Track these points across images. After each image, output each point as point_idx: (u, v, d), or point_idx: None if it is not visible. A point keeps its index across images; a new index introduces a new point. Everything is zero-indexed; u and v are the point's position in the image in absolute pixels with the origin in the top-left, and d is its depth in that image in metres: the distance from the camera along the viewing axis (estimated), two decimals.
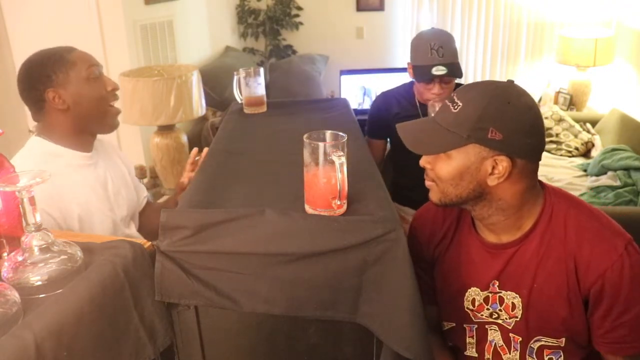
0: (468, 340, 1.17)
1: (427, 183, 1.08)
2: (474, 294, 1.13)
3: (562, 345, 1.06)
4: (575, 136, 3.23)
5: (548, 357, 1.08)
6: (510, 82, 1.02)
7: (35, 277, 0.76)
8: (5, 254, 0.83)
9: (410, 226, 1.25)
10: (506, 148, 0.98)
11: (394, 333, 0.89)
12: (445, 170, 1.02)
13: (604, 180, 2.68)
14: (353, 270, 0.89)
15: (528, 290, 1.06)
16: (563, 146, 3.19)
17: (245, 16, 4.53)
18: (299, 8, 4.56)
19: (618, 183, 2.60)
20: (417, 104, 1.91)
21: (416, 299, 0.89)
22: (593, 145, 3.18)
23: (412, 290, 0.88)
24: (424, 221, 1.22)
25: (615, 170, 2.68)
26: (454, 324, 1.19)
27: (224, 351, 1.04)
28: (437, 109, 1.58)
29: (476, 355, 1.18)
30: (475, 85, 1.05)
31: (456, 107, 1.00)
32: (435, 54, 1.72)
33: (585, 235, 1.01)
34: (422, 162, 1.07)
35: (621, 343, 1.01)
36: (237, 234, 0.88)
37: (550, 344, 1.07)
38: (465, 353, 1.19)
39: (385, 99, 1.98)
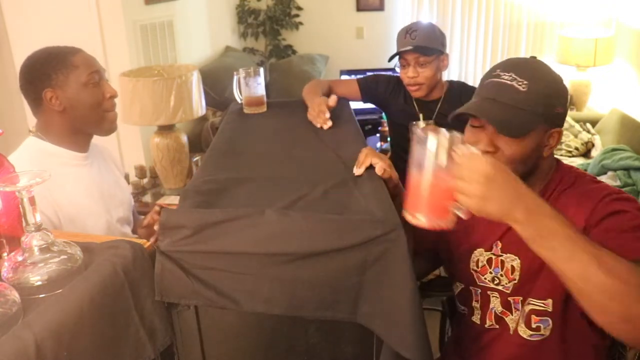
0: (474, 304, 1.20)
1: None
2: (478, 254, 1.15)
3: (550, 309, 1.06)
4: (575, 136, 3.23)
5: (536, 324, 1.09)
6: (533, 57, 1.08)
7: (35, 277, 0.76)
8: (5, 254, 0.83)
9: None
10: (561, 121, 1.05)
11: (394, 333, 0.89)
12: (515, 150, 1.00)
13: (604, 180, 2.68)
14: (353, 270, 0.89)
15: (527, 252, 1.03)
16: (563, 146, 3.19)
17: (245, 16, 4.53)
18: (299, 8, 4.56)
19: (618, 183, 2.60)
20: (416, 107, 1.91)
21: (416, 299, 0.89)
22: (593, 145, 3.18)
23: (412, 290, 0.88)
24: None
25: (615, 170, 2.68)
26: (463, 286, 1.22)
27: (224, 351, 1.04)
28: (419, 132, 1.57)
29: (479, 323, 1.19)
30: (522, 62, 1.06)
31: (522, 85, 1.00)
32: (409, 37, 1.80)
33: (582, 193, 1.02)
34: (485, 147, 1.01)
35: (629, 244, 0.89)
36: (237, 234, 0.88)
37: (538, 307, 1.07)
38: (472, 318, 1.21)
39: (398, 84, 1.97)
